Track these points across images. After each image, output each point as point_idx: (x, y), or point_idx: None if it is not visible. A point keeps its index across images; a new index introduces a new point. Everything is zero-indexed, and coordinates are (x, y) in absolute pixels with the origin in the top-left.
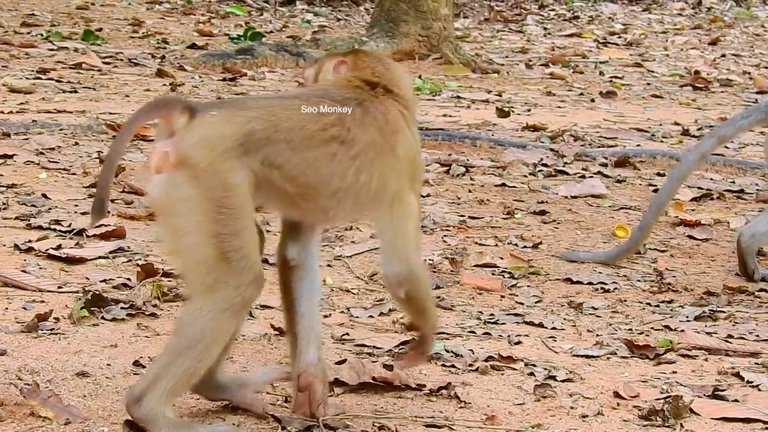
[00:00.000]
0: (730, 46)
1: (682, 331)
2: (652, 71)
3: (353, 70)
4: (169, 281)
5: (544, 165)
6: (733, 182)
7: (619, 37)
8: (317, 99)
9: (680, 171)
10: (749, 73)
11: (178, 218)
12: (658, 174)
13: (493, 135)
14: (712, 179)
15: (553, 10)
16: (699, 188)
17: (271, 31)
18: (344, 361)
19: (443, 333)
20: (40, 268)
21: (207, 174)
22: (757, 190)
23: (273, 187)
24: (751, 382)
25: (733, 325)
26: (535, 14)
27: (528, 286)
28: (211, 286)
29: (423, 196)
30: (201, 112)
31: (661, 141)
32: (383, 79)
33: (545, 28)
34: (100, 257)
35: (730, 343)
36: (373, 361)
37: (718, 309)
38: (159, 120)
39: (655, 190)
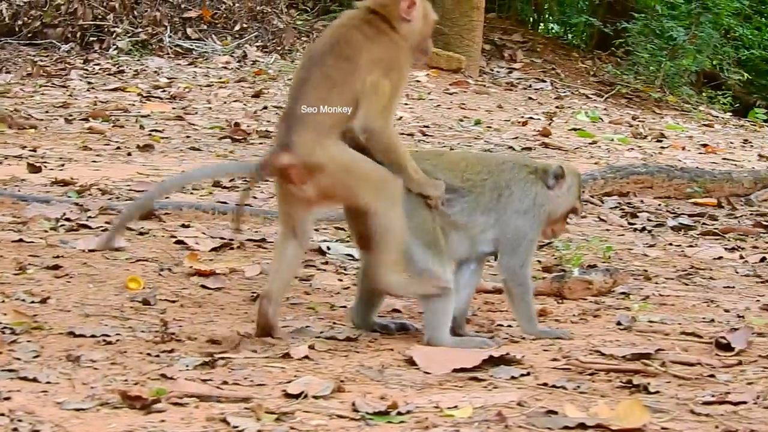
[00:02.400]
0: (273, 98)
1: (176, 379)
2: (194, 124)
3: None
4: None
5: (67, 219)
6: (257, 231)
7: (164, 91)
8: None
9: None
10: None
11: (334, 189)
12: (183, 225)
13: (19, 191)
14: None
15: (98, 64)
16: (221, 238)
17: None
18: None
19: None
20: None
21: (323, 162)
22: None
23: None
24: (237, 426)
25: (230, 372)
26: (80, 69)
27: (28, 341)
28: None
29: None
30: (291, 144)
31: (191, 193)
32: None
33: (89, 83)
34: None
35: (223, 389)
36: None
37: (219, 357)
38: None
39: (178, 242)
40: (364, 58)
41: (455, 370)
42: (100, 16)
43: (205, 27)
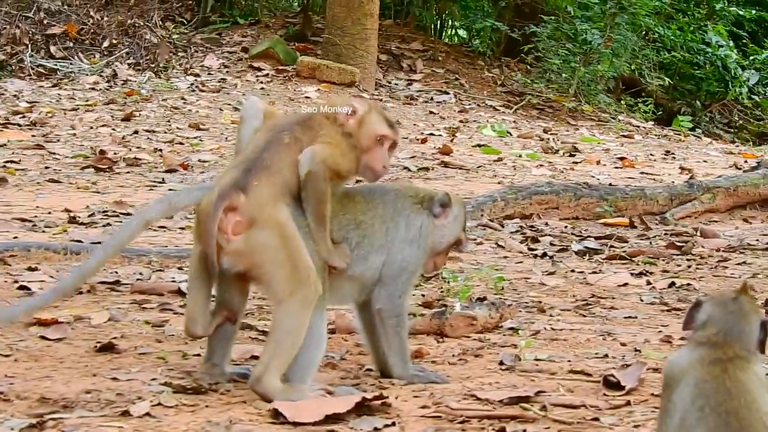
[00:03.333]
0: (146, 121)
1: None
2: (54, 153)
3: None
4: None
5: None
6: (114, 272)
7: (23, 117)
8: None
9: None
10: (161, 150)
11: (262, 256)
12: (30, 269)
13: None
14: None
15: None
16: None
17: None
18: None
19: None
20: None
21: (270, 221)
22: (138, 279)
23: None
24: None
25: None
26: None
27: None
28: (292, 292)
29: None
30: (249, 186)
31: (43, 231)
32: None
33: None
34: None
35: None
36: None
37: (49, 417)
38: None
39: (21, 287)
40: (324, 130)
41: (327, 417)
42: None
43: (71, 44)
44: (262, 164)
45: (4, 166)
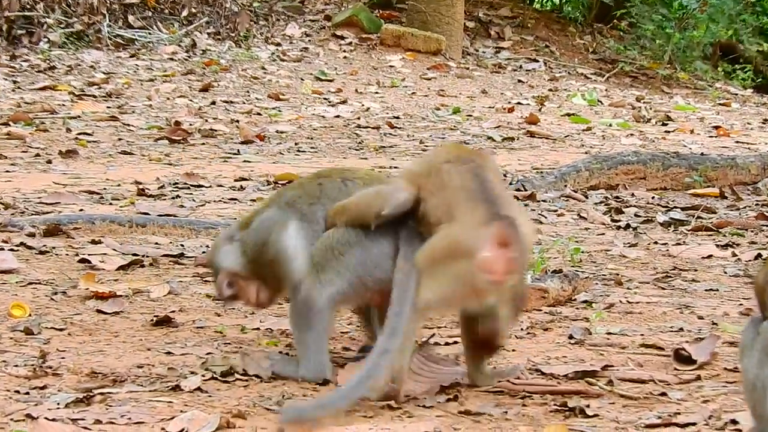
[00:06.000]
0: (224, 92)
1: (38, 418)
2: (129, 124)
3: None
4: None
5: None
6: (180, 245)
7: (99, 88)
8: None
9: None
10: (238, 121)
11: None
12: (93, 242)
13: None
14: (157, 243)
15: (26, 60)
16: (133, 254)
17: None
18: None
19: None
20: None
21: None
22: (203, 252)
23: None
24: None
25: (107, 409)
26: (5, 66)
27: None
28: None
29: None
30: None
31: (111, 204)
32: None
33: (15, 82)
34: None
35: (92, 430)
36: None
37: (97, 392)
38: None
39: (82, 260)
40: None
41: None
42: (28, 6)
43: (149, 13)
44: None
45: (77, 138)
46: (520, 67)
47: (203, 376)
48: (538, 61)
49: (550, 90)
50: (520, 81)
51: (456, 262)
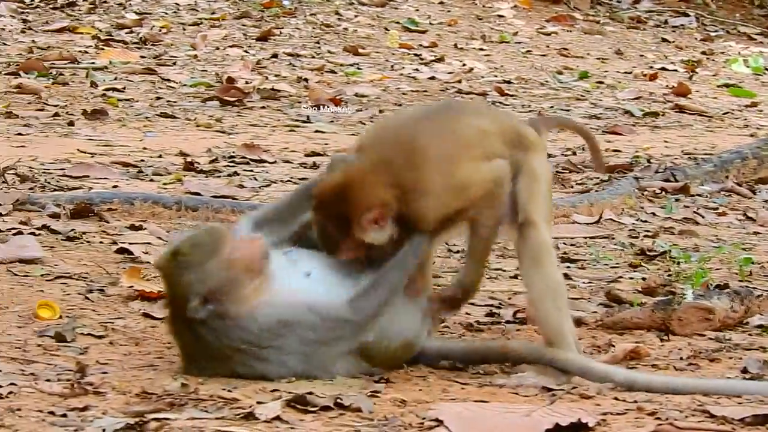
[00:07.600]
0: (287, 42)
1: None
2: (169, 80)
3: None
4: None
5: None
6: None
7: (130, 32)
8: None
9: None
10: (307, 80)
11: None
12: (133, 227)
13: None
14: None
15: None
16: None
17: None
18: None
19: None
20: None
21: None
22: None
23: None
24: None
25: None
26: (13, 1)
27: None
28: None
29: None
30: None
31: (152, 180)
32: None
33: (24, 21)
34: None
35: None
36: None
37: (152, 417)
38: None
39: (121, 250)
40: None
41: None
42: None
43: None
44: None
45: (104, 95)
46: (665, 22)
47: (284, 400)
48: (688, 15)
49: (704, 53)
50: (664, 40)
51: None
